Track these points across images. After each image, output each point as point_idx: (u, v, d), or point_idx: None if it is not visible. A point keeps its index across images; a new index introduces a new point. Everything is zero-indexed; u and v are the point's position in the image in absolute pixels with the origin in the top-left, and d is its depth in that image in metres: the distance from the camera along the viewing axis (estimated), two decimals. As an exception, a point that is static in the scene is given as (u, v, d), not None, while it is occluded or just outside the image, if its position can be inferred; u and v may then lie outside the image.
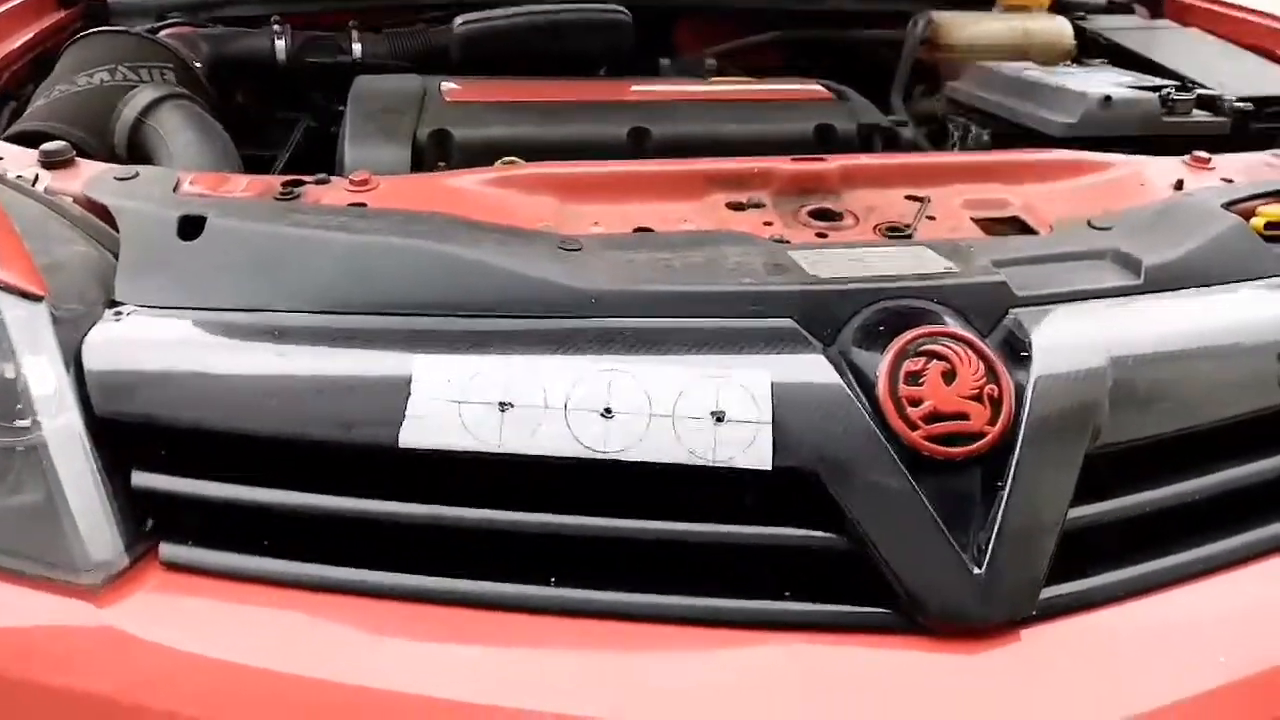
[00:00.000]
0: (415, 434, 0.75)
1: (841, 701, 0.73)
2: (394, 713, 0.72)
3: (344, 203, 0.96)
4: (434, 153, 1.29)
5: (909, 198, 1.06)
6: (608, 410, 0.75)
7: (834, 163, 1.07)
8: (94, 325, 0.81)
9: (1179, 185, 1.09)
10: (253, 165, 1.31)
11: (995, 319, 0.84)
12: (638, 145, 1.33)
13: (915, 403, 0.76)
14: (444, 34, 1.68)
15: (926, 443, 0.75)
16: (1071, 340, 0.83)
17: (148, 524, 0.79)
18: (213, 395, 0.79)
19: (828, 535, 0.76)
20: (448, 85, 1.45)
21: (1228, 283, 0.94)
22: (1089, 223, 1.01)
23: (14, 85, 1.44)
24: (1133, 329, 0.86)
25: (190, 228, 0.88)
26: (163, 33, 1.61)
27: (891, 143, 1.41)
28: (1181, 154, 1.18)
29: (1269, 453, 0.88)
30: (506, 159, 1.24)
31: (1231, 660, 0.77)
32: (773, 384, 0.76)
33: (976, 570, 0.74)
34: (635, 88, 1.51)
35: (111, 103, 1.28)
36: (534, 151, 1.24)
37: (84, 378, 0.79)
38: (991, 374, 0.78)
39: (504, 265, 0.83)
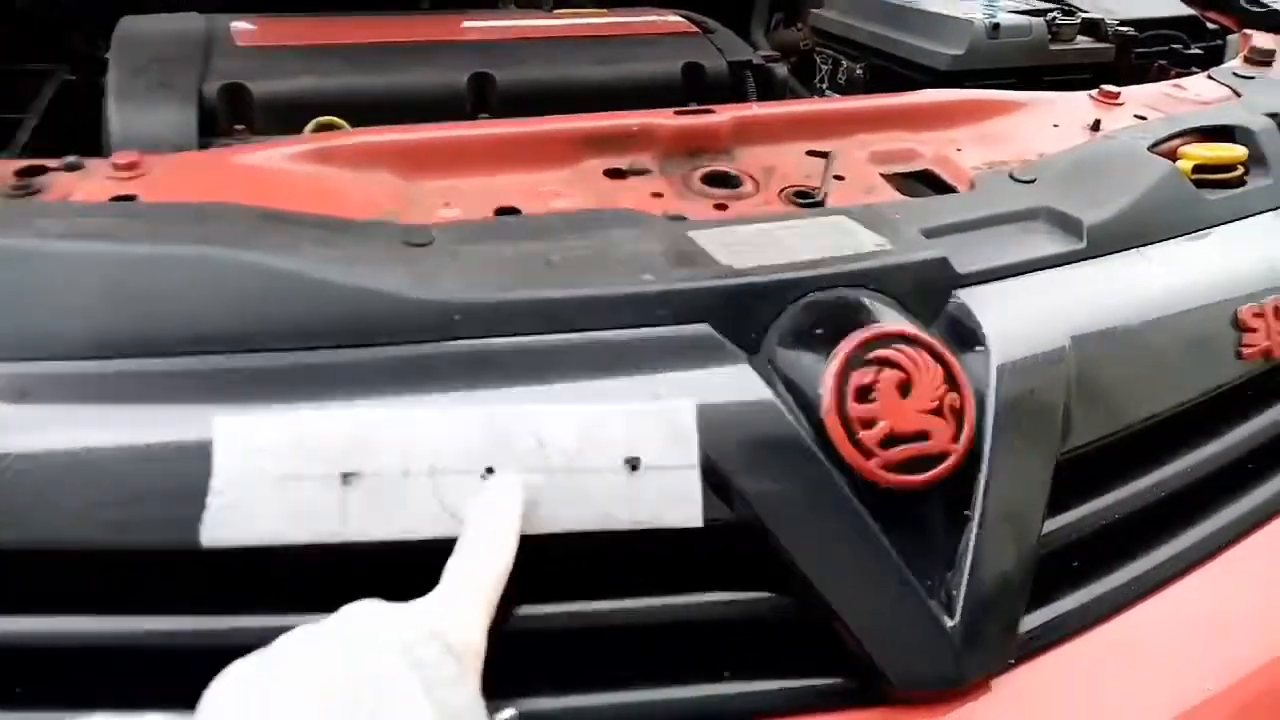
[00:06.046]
0: (222, 527, 0.55)
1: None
2: None
3: (106, 196, 0.73)
4: (227, 113, 1.05)
5: (810, 153, 0.92)
6: (490, 471, 0.58)
7: (724, 114, 0.90)
8: None
9: (1095, 126, 0.99)
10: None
11: (938, 305, 0.71)
12: (480, 96, 1.13)
13: (868, 424, 0.62)
14: None
15: (885, 473, 0.62)
16: (1027, 324, 0.71)
17: None
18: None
19: (771, 597, 0.61)
20: (238, 25, 1.19)
21: (1169, 238, 0.84)
22: (1011, 175, 0.89)
23: None
24: (1086, 303, 0.75)
25: None
26: None
27: (767, 83, 1.26)
28: (1064, 86, 1.08)
29: (1229, 426, 0.79)
30: (322, 119, 1.02)
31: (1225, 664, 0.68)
32: (697, 413, 0.60)
33: (950, 622, 0.61)
34: (468, 24, 1.29)
35: None
36: (354, 108, 1.02)
37: None
38: (951, 380, 0.65)
39: (329, 276, 0.63)
